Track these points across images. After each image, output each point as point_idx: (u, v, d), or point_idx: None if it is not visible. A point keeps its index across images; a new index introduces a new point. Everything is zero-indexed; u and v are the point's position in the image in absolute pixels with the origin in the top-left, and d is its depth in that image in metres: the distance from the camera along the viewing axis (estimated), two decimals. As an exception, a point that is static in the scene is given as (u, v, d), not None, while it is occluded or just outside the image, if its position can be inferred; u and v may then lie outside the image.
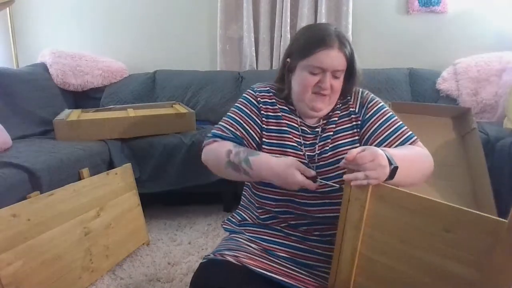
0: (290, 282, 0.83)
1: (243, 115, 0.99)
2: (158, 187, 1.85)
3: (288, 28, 2.53)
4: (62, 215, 1.24)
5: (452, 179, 1.71)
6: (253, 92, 1.02)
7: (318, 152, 0.95)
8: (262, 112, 0.98)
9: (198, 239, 1.71)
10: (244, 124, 0.97)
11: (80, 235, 1.30)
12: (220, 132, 0.98)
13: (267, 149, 0.96)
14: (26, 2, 2.67)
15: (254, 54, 2.62)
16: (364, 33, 2.62)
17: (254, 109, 0.99)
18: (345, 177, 0.77)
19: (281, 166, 0.84)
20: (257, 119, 0.98)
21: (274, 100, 0.99)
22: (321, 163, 0.94)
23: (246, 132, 0.97)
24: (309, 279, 0.88)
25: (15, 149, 1.51)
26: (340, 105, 0.99)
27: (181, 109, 2.07)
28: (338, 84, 0.92)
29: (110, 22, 2.73)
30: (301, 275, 0.88)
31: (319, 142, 0.96)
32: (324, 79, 0.89)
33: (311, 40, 0.90)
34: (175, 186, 1.85)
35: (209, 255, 0.89)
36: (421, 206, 0.71)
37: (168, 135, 1.89)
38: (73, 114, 1.87)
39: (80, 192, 1.34)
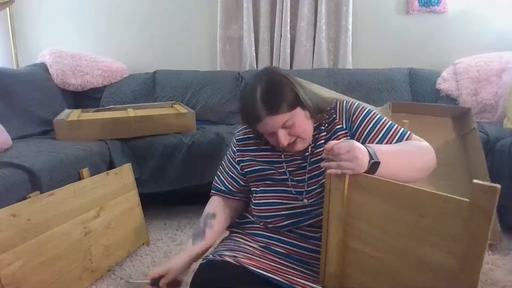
0: (287, 282, 0.83)
1: (229, 165, 1.10)
2: (158, 187, 1.85)
3: (288, 28, 2.53)
4: (62, 215, 1.24)
5: (452, 179, 1.71)
6: (235, 142, 1.09)
7: (308, 176, 0.96)
8: (238, 159, 1.06)
9: (198, 239, 1.71)
10: (231, 173, 1.09)
11: (80, 235, 1.30)
12: (217, 185, 1.13)
13: (266, 187, 1.01)
14: (26, 2, 2.67)
15: (254, 54, 2.62)
16: (364, 33, 2.62)
17: (233, 157, 1.08)
18: (322, 164, 0.81)
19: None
20: (237, 166, 1.07)
21: (253, 147, 1.05)
22: (312, 187, 0.95)
23: (234, 181, 1.09)
24: (306, 276, 0.88)
25: (15, 149, 1.51)
26: (326, 125, 0.97)
27: (181, 109, 2.07)
28: (297, 129, 0.90)
29: (110, 22, 2.73)
30: (298, 272, 0.88)
31: (309, 166, 0.96)
32: (277, 138, 0.89)
33: (247, 121, 0.95)
34: (175, 186, 1.85)
35: (208, 256, 0.90)
36: (397, 193, 0.73)
37: (168, 135, 1.89)
38: (73, 114, 1.87)
39: (80, 192, 1.34)
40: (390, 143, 0.91)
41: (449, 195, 0.66)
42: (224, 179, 1.11)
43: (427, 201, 0.69)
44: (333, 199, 0.80)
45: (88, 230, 1.33)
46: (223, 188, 1.10)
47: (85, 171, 1.47)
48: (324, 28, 2.54)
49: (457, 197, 0.65)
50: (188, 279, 1.33)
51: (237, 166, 1.07)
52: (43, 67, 2.37)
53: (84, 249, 1.30)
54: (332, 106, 0.98)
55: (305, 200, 0.94)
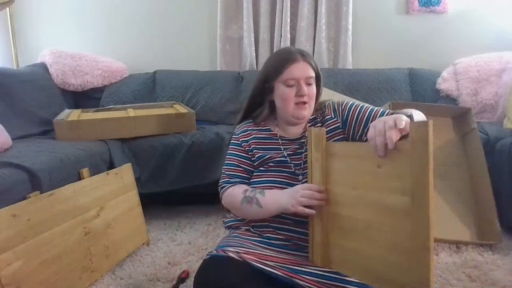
0: (287, 276, 0.85)
1: (236, 157, 1.13)
2: (158, 187, 1.85)
3: (288, 28, 2.53)
4: (62, 215, 1.24)
5: (452, 179, 1.71)
6: (235, 136, 1.17)
7: (304, 160, 1.04)
8: (247, 148, 1.12)
9: (198, 239, 1.71)
10: (241, 164, 1.11)
11: (80, 235, 1.30)
12: (228, 179, 1.11)
13: (264, 168, 1.08)
14: (26, 2, 2.67)
15: (254, 54, 2.62)
16: (364, 33, 2.62)
17: (240, 148, 1.14)
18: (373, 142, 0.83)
19: (286, 193, 0.96)
20: (246, 155, 1.12)
21: (252, 136, 1.13)
22: (306, 170, 1.02)
23: (246, 170, 1.11)
24: (305, 266, 0.90)
25: (15, 149, 1.51)
26: (321, 118, 1.12)
27: (181, 109, 2.06)
28: (312, 90, 1.06)
29: (110, 22, 2.73)
30: (297, 265, 0.90)
31: (305, 151, 1.05)
32: (300, 88, 1.03)
33: (280, 60, 1.07)
34: (175, 186, 1.86)
35: (212, 252, 0.92)
36: (358, 151, 0.85)
37: (168, 135, 1.89)
38: (73, 114, 1.87)
39: (80, 192, 1.34)
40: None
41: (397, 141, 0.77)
42: (236, 172, 1.11)
43: (387, 162, 0.78)
44: (314, 169, 0.92)
45: (88, 230, 1.33)
46: (237, 180, 1.10)
47: (85, 171, 1.47)
48: (324, 28, 2.54)
49: (400, 141, 0.75)
50: (187, 278, 1.34)
51: (247, 155, 1.11)
52: (43, 67, 2.37)
53: (84, 249, 1.30)
54: (322, 106, 1.15)
55: (300, 177, 1.03)
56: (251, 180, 1.09)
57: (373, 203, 0.80)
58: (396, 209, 0.74)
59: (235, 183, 1.09)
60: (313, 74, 1.06)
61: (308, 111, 1.07)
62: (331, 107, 1.13)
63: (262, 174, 1.07)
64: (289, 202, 0.92)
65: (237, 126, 1.19)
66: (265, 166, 1.08)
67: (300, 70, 1.03)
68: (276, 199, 0.97)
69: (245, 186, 1.06)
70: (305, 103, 1.04)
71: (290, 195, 0.94)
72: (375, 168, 0.79)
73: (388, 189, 0.76)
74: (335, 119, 1.10)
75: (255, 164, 1.10)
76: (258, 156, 1.09)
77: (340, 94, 2.15)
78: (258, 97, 1.14)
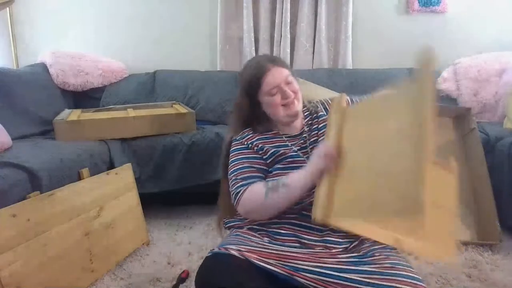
0: (288, 274, 0.85)
1: (246, 160, 1.07)
2: (158, 187, 1.85)
3: (288, 28, 2.53)
4: (62, 215, 1.24)
5: (452, 179, 1.71)
6: (238, 141, 1.13)
7: (311, 153, 1.03)
8: (255, 148, 1.09)
9: (198, 239, 1.71)
10: (254, 165, 1.06)
11: (80, 235, 1.30)
12: (242, 182, 1.02)
13: (282, 165, 1.05)
14: (26, 2, 2.67)
15: (254, 54, 2.62)
16: (364, 33, 2.62)
17: (248, 150, 1.10)
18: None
19: (310, 158, 0.94)
20: (257, 154, 1.08)
21: (256, 137, 1.12)
22: None
23: (260, 170, 1.05)
24: (308, 264, 0.89)
25: (15, 149, 1.51)
26: (315, 114, 1.15)
27: (181, 109, 2.06)
28: (294, 86, 1.09)
29: (110, 22, 2.73)
30: (300, 261, 0.89)
31: (309, 145, 1.08)
32: (284, 92, 1.05)
33: (253, 75, 1.09)
34: (175, 186, 1.86)
35: (214, 249, 0.92)
36: (368, 107, 0.89)
37: (168, 135, 1.89)
38: (73, 114, 1.87)
39: (80, 192, 1.34)
40: None
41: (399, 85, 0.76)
42: (250, 173, 1.03)
43: (390, 102, 0.78)
44: (329, 129, 0.93)
45: (88, 230, 1.33)
46: (254, 180, 1.02)
47: (85, 171, 1.47)
48: (324, 28, 2.54)
49: (404, 84, 0.74)
50: (187, 278, 1.34)
51: (258, 155, 1.08)
52: (43, 67, 2.37)
53: (84, 249, 1.30)
54: (312, 104, 1.19)
55: None
56: (271, 179, 1.02)
57: (375, 133, 0.79)
58: (396, 132, 0.72)
59: (250, 183, 1.01)
60: (288, 72, 1.08)
61: (298, 105, 1.09)
62: (320, 105, 1.17)
63: (279, 172, 1.02)
64: (317, 155, 0.90)
65: (235, 137, 1.14)
66: (281, 164, 1.04)
67: (276, 76, 1.06)
68: (301, 170, 0.93)
69: (263, 182, 1.00)
70: (292, 100, 1.07)
71: (314, 155, 0.91)
72: (386, 124, 0.76)
73: (396, 141, 0.72)
74: (327, 116, 1.10)
75: (268, 161, 1.06)
76: (271, 152, 1.05)
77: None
78: (250, 115, 1.14)
